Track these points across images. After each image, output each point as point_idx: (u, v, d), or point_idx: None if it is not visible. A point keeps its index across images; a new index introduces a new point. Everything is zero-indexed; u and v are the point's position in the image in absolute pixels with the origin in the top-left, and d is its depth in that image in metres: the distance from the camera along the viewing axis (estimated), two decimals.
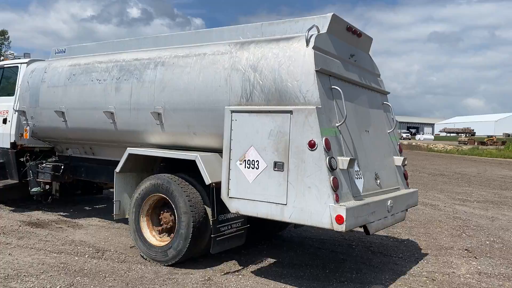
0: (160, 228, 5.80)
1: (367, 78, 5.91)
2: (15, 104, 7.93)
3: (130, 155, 5.93)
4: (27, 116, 7.63)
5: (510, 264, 6.27)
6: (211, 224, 5.35)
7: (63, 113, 6.97)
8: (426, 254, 6.60)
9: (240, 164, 4.90)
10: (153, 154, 5.82)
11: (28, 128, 7.68)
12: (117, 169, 6.04)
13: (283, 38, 5.10)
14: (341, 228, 4.25)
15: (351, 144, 4.97)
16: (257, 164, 4.78)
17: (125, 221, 6.36)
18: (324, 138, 4.41)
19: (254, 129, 4.82)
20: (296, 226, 6.90)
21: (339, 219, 4.24)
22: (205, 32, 6.07)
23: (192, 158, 5.33)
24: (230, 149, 4.98)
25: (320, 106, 4.51)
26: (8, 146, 8.20)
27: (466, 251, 6.84)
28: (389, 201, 5.18)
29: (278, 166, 4.63)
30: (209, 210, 5.41)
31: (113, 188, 6.08)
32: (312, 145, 4.42)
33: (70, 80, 6.92)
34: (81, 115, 6.76)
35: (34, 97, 7.45)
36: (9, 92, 8.41)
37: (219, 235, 5.23)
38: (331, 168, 4.40)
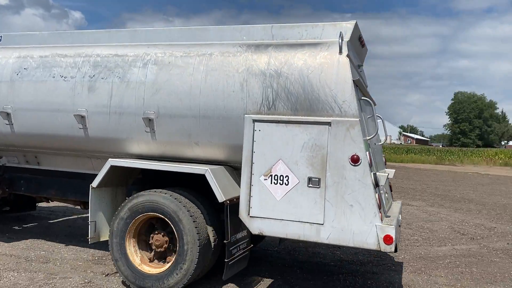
0: (149, 252, 5.02)
1: (366, 90, 5.80)
2: None
3: (112, 167, 5.03)
4: None
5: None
6: (213, 247, 4.82)
7: (8, 114, 5.71)
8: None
9: (265, 179, 4.41)
10: (150, 167, 4.97)
11: None
12: (94, 183, 5.10)
13: (307, 43, 4.73)
14: (390, 248, 4.02)
15: (374, 158, 4.77)
16: (287, 180, 4.34)
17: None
18: (367, 153, 4.14)
19: (283, 141, 4.37)
20: (280, 242, 6.51)
21: (388, 239, 4.00)
22: (199, 30, 5.39)
23: (202, 172, 4.68)
24: (251, 163, 4.45)
25: (360, 119, 4.24)
26: None
27: None
28: (400, 216, 5.10)
29: (314, 182, 4.24)
30: (210, 231, 4.81)
31: (53, 202, 5.15)
32: (355, 160, 4.12)
33: (20, 75, 5.70)
34: (36, 118, 5.59)
35: None
36: None
37: (231, 258, 4.65)
38: (376, 185, 4.15)
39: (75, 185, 6.09)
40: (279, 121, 4.41)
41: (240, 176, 4.94)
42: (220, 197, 4.57)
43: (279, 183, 4.36)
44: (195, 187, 5.07)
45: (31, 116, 5.62)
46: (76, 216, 8.80)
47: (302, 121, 4.33)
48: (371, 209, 4.07)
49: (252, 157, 4.46)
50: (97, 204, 5.17)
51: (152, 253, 4.99)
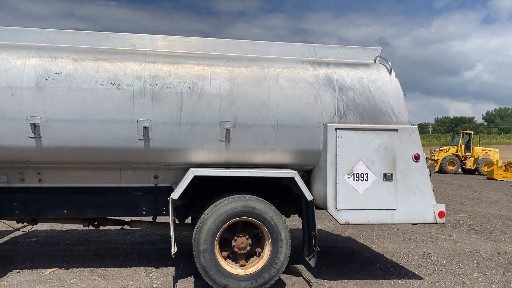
0: (227, 253, 5.25)
1: None
2: None
3: (196, 177, 5.04)
4: None
5: None
6: (294, 238, 5.41)
7: (35, 125, 4.87)
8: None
9: (349, 177, 5.29)
10: (238, 175, 5.17)
11: None
12: (175, 195, 4.99)
13: (361, 64, 5.77)
14: (443, 220, 5.48)
15: None
16: (367, 176, 5.32)
17: None
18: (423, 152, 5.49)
19: (361, 145, 5.32)
20: None
21: (441, 214, 5.46)
22: (244, 43, 5.78)
23: (291, 176, 5.22)
24: (336, 164, 5.26)
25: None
26: None
27: None
28: None
29: (388, 177, 5.36)
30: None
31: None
32: (417, 158, 5.42)
33: (52, 81, 4.91)
34: (78, 130, 4.94)
35: None
36: None
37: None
38: (430, 174, 5.54)
39: (94, 201, 5.58)
40: (357, 128, 5.34)
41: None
42: (309, 196, 5.23)
43: (360, 179, 5.31)
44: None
45: (70, 128, 4.95)
46: None
47: (376, 128, 5.37)
48: (428, 194, 5.45)
49: (336, 159, 5.27)
50: (174, 215, 5.06)
51: (232, 254, 5.25)
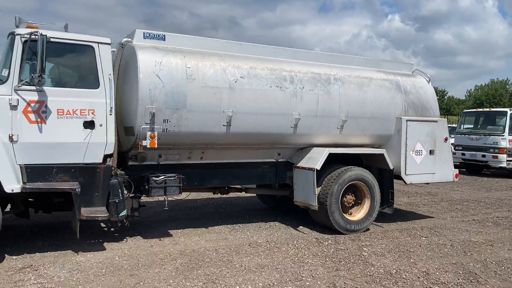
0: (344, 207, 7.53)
1: None
2: (111, 101, 5.78)
3: (330, 154, 7.17)
4: (156, 119, 5.98)
5: None
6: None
7: (229, 117, 6.44)
8: None
9: (412, 153, 7.96)
10: (351, 152, 7.42)
11: (155, 133, 5.97)
12: (318, 166, 7.04)
13: (409, 74, 8.42)
14: (457, 180, 8.54)
15: None
16: (421, 152, 8.06)
17: None
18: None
19: (419, 131, 8.01)
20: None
21: (456, 175, 8.50)
22: (342, 57, 7.98)
23: (381, 152, 7.67)
24: (406, 145, 7.88)
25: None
26: (98, 161, 5.71)
27: None
28: None
29: (432, 152, 8.17)
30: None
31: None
32: (446, 139, 8.34)
33: (239, 84, 6.50)
34: (254, 120, 6.65)
35: (175, 97, 6.05)
36: (86, 82, 5.68)
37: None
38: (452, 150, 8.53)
39: (239, 173, 7.30)
40: (417, 120, 8.01)
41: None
42: (391, 166, 7.76)
43: (418, 154, 8.03)
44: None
45: (250, 119, 6.63)
46: None
47: (427, 120, 8.12)
48: (450, 162, 8.43)
49: (406, 141, 7.88)
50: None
51: (346, 207, 7.55)
